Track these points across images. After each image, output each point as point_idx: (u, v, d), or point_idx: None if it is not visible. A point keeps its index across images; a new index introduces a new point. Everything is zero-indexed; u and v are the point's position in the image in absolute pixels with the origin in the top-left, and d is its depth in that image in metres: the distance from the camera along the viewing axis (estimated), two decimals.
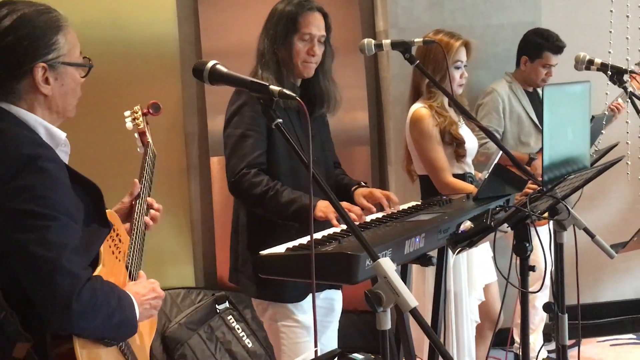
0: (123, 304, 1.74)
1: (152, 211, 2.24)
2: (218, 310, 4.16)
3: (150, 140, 2.52)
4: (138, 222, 2.15)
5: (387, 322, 1.64)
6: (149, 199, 2.27)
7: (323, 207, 2.42)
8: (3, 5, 1.73)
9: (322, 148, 2.78)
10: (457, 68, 3.25)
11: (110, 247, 1.91)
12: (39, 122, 1.74)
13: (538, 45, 3.99)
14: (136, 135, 2.54)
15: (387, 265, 1.58)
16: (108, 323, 1.69)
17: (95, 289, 1.65)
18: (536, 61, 4.01)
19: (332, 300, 2.83)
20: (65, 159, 1.78)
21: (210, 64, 1.81)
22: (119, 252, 1.97)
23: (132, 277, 2.01)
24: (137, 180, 2.27)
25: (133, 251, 2.06)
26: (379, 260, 1.59)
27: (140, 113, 2.55)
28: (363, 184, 2.78)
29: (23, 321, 1.65)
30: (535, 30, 4.07)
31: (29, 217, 1.60)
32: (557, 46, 3.98)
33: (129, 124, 2.54)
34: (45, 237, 1.60)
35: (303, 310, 2.65)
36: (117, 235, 1.98)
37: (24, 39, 1.70)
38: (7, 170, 1.62)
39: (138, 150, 2.54)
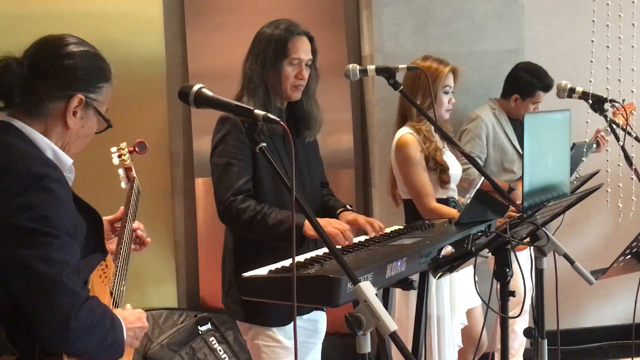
0: (115, 326, 1.76)
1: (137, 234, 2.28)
2: (200, 332, 4.15)
3: (135, 175, 2.56)
4: (123, 250, 2.17)
5: (366, 346, 1.66)
6: (134, 224, 2.30)
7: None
8: (74, 36, 1.86)
9: (309, 170, 2.80)
10: (446, 93, 3.29)
11: (97, 270, 1.92)
12: (48, 145, 1.79)
13: (531, 85, 3.99)
14: (121, 171, 2.59)
15: (368, 289, 1.60)
16: (102, 344, 1.70)
17: (93, 308, 1.67)
18: (527, 99, 4.02)
19: (316, 322, 2.83)
20: (69, 184, 1.81)
21: (195, 87, 1.83)
22: (105, 276, 1.99)
23: (115, 302, 2.03)
24: (122, 207, 2.30)
25: (118, 277, 2.08)
26: (359, 284, 1.61)
27: (126, 150, 2.61)
28: (349, 207, 2.80)
29: (9, 334, 1.66)
30: (525, 67, 4.06)
31: (31, 234, 1.62)
32: (548, 85, 3.97)
33: (115, 160, 2.59)
34: (47, 255, 1.62)
35: (285, 331, 2.66)
36: (104, 260, 2.00)
37: (80, 69, 1.80)
38: (14, 186, 1.65)
39: (122, 185, 2.58)
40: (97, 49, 1.89)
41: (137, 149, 2.67)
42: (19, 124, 1.77)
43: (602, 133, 4.01)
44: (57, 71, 1.78)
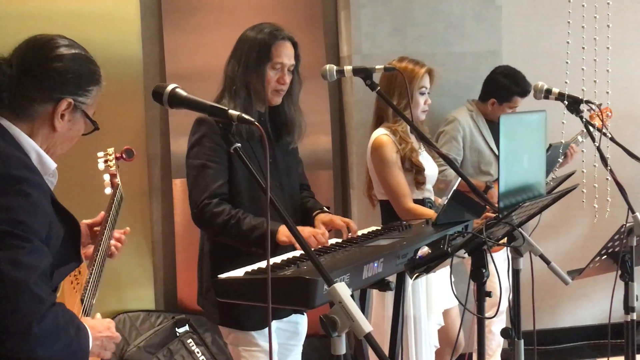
0: (80, 334, 1.73)
1: (114, 241, 2.25)
2: (178, 334, 4.12)
3: (119, 182, 2.53)
4: (99, 257, 2.14)
5: (342, 347, 1.65)
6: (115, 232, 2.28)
7: (286, 232, 2.42)
8: (65, 38, 1.85)
9: (287, 173, 2.78)
10: (422, 94, 3.30)
11: (70, 276, 1.90)
12: (33, 147, 1.77)
13: (508, 90, 3.99)
14: (106, 176, 2.55)
15: (343, 290, 1.59)
16: (64, 352, 1.67)
17: (58, 315, 1.65)
18: (504, 104, 4.02)
19: (297, 323, 2.82)
20: (51, 188, 1.79)
21: (169, 87, 1.82)
22: (77, 283, 1.97)
23: (85, 310, 2.00)
24: (103, 212, 2.27)
25: (90, 285, 2.05)
26: (334, 285, 1.60)
27: (113, 156, 2.57)
28: (326, 209, 2.79)
29: None
30: (503, 72, 4.06)
31: (3, 236, 1.60)
32: (526, 90, 3.97)
33: (100, 165, 2.55)
34: (16, 258, 1.60)
35: (264, 335, 2.64)
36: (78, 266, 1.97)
37: (70, 72, 1.79)
38: None
39: (106, 192, 2.54)
40: (88, 52, 1.88)
41: (124, 156, 2.61)
42: (5, 122, 1.75)
43: (574, 146, 4.04)
44: (47, 74, 1.76)
